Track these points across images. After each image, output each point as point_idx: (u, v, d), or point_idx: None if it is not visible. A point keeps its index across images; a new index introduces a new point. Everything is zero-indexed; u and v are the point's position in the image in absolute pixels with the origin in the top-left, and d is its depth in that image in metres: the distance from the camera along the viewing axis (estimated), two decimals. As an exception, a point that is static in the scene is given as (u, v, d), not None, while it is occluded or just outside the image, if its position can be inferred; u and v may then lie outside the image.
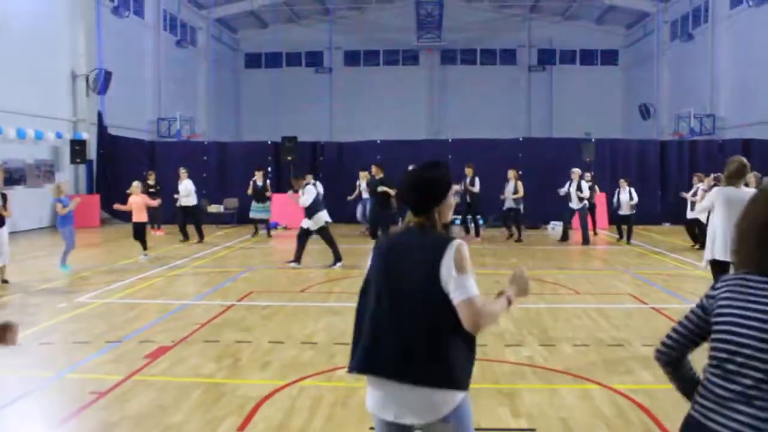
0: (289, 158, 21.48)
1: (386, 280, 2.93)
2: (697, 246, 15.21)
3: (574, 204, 17.09)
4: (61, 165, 22.74)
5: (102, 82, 23.74)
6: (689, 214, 15.70)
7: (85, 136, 23.21)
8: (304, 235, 12.86)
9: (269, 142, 23.40)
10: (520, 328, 7.99)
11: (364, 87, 39.09)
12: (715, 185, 9.25)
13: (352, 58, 40.76)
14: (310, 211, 12.63)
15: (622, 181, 17.24)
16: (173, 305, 9.36)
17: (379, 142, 23.61)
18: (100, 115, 24.10)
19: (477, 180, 17.85)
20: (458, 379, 2.85)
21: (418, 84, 39.73)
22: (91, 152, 23.57)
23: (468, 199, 17.83)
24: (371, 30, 39.18)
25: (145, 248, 13.99)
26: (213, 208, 17.86)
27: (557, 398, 5.57)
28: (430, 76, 40.07)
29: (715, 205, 7.13)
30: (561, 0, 37.22)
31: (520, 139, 24.53)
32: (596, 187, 18.50)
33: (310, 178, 17.54)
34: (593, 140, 21.91)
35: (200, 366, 6.48)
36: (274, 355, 6.84)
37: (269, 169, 21.16)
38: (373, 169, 16.47)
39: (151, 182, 19.08)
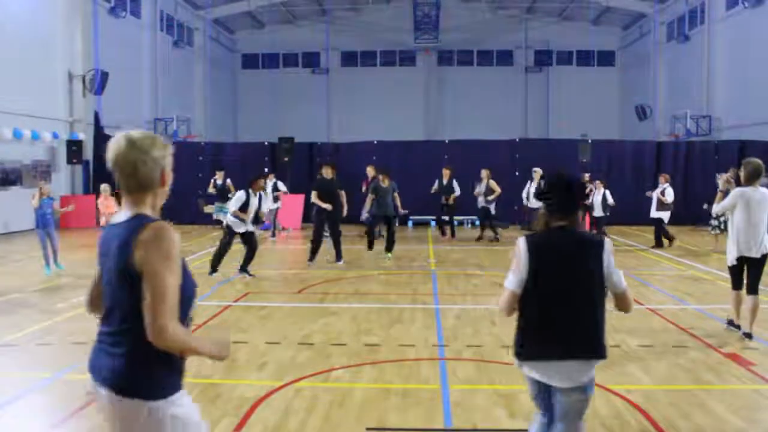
0: (286, 159, 21.47)
1: (559, 278, 3.39)
2: (662, 245, 15.91)
3: (533, 204, 17.21)
4: (58, 165, 22.71)
5: (98, 83, 23.70)
6: (653, 214, 16.16)
7: (81, 136, 23.18)
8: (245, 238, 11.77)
9: (266, 143, 23.39)
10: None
11: (361, 88, 39.11)
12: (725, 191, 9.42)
13: (349, 58, 40.78)
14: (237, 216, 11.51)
15: (597, 182, 17.32)
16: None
17: (375, 142, 23.61)
18: (96, 116, 24.08)
19: (455, 182, 17.93)
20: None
21: (415, 85, 39.76)
22: (88, 153, 23.55)
23: (444, 200, 17.89)
24: (368, 31, 39.20)
25: None
26: (209, 209, 17.81)
27: (553, 399, 5.58)
28: (426, 77, 40.10)
29: (737, 205, 7.43)
30: (557, 1, 37.28)
31: (517, 140, 24.55)
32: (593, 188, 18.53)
33: (272, 177, 17.59)
34: (590, 141, 21.94)
35: (197, 366, 6.48)
36: (271, 356, 6.85)
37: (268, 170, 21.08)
38: (326, 170, 13.50)
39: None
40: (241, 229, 11.51)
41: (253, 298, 10.03)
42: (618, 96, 39.10)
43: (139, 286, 2.37)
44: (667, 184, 16.21)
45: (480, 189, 17.85)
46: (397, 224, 14.37)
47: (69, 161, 22.45)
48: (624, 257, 14.68)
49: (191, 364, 6.35)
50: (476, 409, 5.35)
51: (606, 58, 39.95)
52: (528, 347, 3.48)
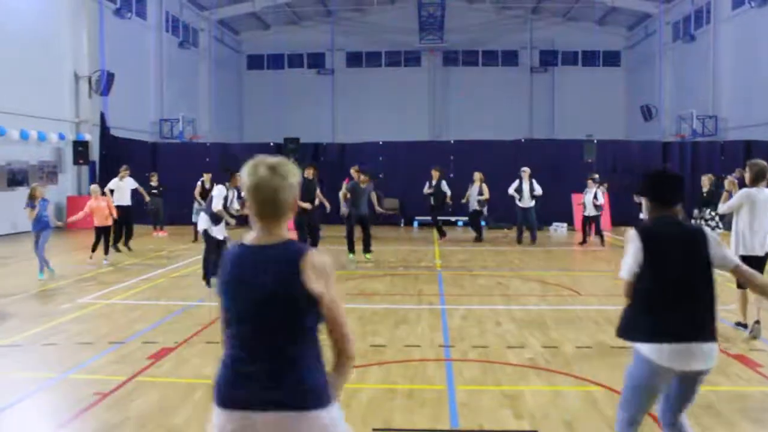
0: (292, 159, 21.47)
1: (676, 264, 3.66)
2: (585, 243, 16.99)
3: (525, 203, 17.47)
4: (64, 166, 22.78)
5: (104, 84, 23.77)
6: (588, 212, 17.01)
7: (87, 137, 23.24)
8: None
9: (272, 144, 23.41)
10: (522, 330, 7.99)
11: (367, 88, 39.09)
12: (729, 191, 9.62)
13: (354, 59, 40.78)
14: (215, 218, 10.70)
15: (590, 181, 17.37)
16: (176, 306, 9.37)
17: (381, 143, 23.63)
18: (102, 117, 24.14)
19: (444, 183, 18.00)
20: None
21: (420, 85, 39.74)
22: (94, 153, 23.61)
23: (432, 201, 17.95)
24: (373, 31, 39.20)
25: (106, 251, 13.82)
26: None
27: (560, 400, 5.57)
28: (432, 77, 40.08)
29: (743, 205, 7.65)
30: (563, 1, 37.22)
31: (522, 140, 24.54)
32: (603, 188, 18.52)
33: None
34: (595, 141, 21.90)
35: (203, 367, 6.49)
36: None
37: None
38: (307, 171, 13.74)
39: (153, 183, 19.09)
40: (220, 236, 10.64)
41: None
42: (623, 96, 39.01)
43: (308, 308, 2.52)
44: (596, 188, 16.98)
45: (472, 192, 17.92)
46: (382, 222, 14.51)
47: (75, 162, 22.51)
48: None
49: (194, 365, 6.36)
50: (482, 410, 5.34)
51: (611, 59, 39.87)
52: (659, 330, 3.67)
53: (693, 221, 15.56)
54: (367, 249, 13.96)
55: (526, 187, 17.48)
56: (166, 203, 19.30)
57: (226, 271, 2.62)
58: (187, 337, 7.61)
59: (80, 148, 22.37)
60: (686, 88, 31.32)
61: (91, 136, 23.50)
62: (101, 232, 13.64)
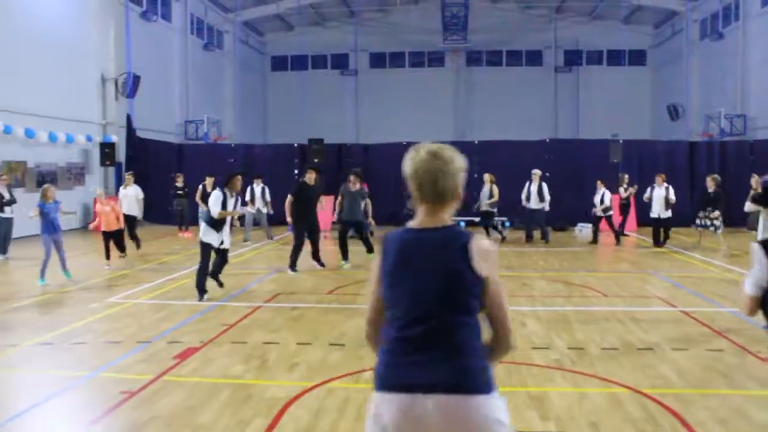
0: (316, 160, 21.58)
1: None
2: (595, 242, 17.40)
3: (533, 204, 17.68)
4: (92, 168, 23.07)
5: (131, 86, 24.05)
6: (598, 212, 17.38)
7: (114, 139, 23.52)
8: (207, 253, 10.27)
9: (296, 145, 23.52)
10: (548, 331, 7.94)
11: (390, 89, 39.11)
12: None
13: (377, 60, 40.82)
14: (214, 224, 10.02)
15: (598, 183, 17.46)
16: (201, 306, 9.44)
17: (405, 143, 23.56)
18: (128, 119, 24.41)
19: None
20: None
21: (444, 86, 39.67)
22: (121, 155, 23.89)
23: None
24: (396, 32, 39.21)
25: (108, 256, 13.33)
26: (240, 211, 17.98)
27: (586, 402, 5.53)
28: (455, 77, 40.00)
29: None
30: (587, 0, 36.93)
31: (547, 140, 24.39)
32: (631, 188, 18.40)
33: (260, 182, 17.84)
34: (621, 141, 21.70)
35: (229, 367, 6.54)
36: (302, 357, 6.88)
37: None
38: (309, 174, 13.03)
39: (179, 184, 19.26)
40: (216, 243, 10.03)
41: (283, 299, 10.08)
42: (649, 95, 38.61)
43: (474, 291, 2.54)
44: (604, 189, 17.24)
45: (483, 193, 17.88)
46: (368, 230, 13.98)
47: (102, 163, 22.77)
48: (656, 259, 14.51)
49: (220, 364, 6.40)
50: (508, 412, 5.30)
51: (637, 58, 39.47)
52: None
53: (698, 221, 15.83)
54: (370, 250, 13.57)
55: (534, 188, 17.70)
56: (191, 204, 19.46)
57: (391, 257, 2.63)
58: (212, 336, 7.67)
59: (107, 150, 22.63)
60: (714, 87, 30.90)
61: (118, 138, 23.78)
62: (108, 237, 13.28)
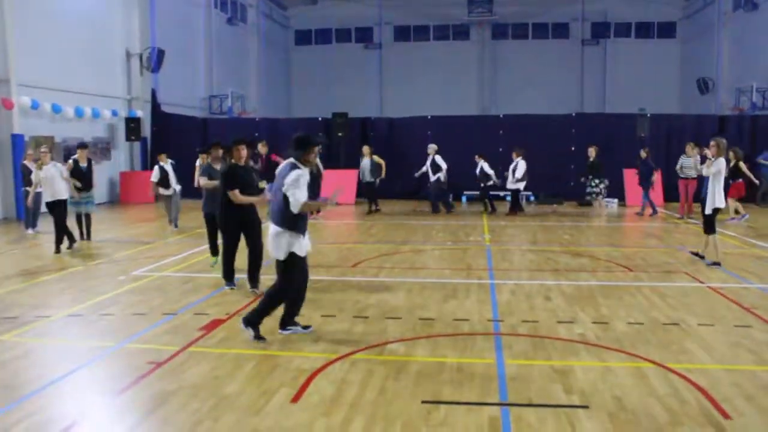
0: (340, 134, 21.56)
1: None
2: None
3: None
4: (117, 142, 23.25)
5: (155, 61, 24.10)
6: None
7: (139, 113, 23.66)
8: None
9: (320, 119, 23.48)
10: (572, 305, 7.91)
11: (414, 62, 38.80)
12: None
13: (401, 33, 40.46)
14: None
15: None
16: (227, 279, 9.51)
17: (429, 117, 23.46)
18: (153, 93, 24.52)
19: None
20: None
21: (469, 59, 39.26)
22: (146, 129, 24.03)
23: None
24: (421, 5, 38.75)
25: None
26: (263, 184, 17.99)
27: (611, 376, 5.51)
28: (480, 51, 39.55)
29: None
30: (616, -29, 36.19)
31: (573, 114, 24.12)
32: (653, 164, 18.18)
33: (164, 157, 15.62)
34: (648, 115, 21.36)
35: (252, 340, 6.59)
36: (326, 329, 6.92)
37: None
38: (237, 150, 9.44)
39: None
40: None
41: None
42: (678, 69, 37.85)
43: None
44: (520, 158, 17.75)
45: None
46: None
47: (128, 138, 22.94)
48: (683, 234, 14.34)
49: (245, 336, 6.45)
50: (532, 385, 5.31)
51: (666, 30, 38.66)
52: None
53: (588, 190, 17.66)
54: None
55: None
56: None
57: None
58: (238, 309, 7.73)
59: (132, 125, 22.78)
60: (746, 60, 30.17)
61: (143, 113, 23.92)
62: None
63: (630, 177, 19.07)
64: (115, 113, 22.83)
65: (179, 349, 6.23)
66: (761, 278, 9.53)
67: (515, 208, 18.26)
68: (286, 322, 6.75)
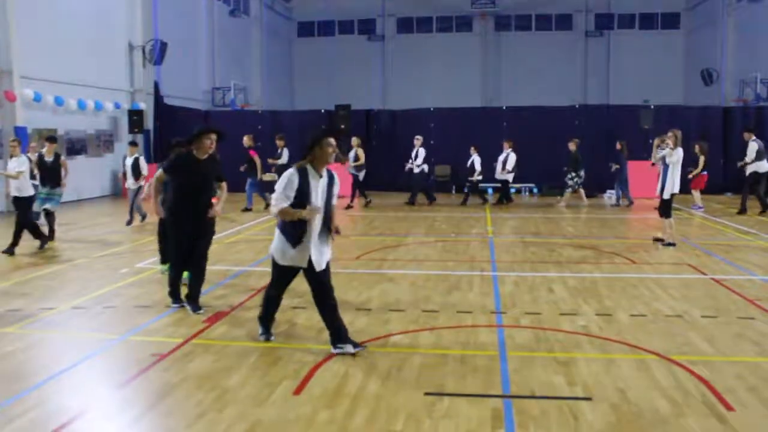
0: (343, 126, 21.53)
1: None
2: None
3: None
4: (120, 135, 23.25)
5: (158, 53, 24.06)
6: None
7: (142, 106, 23.65)
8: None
9: (323, 111, 23.45)
10: (575, 297, 7.90)
11: (418, 54, 38.72)
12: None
13: (404, 25, 40.36)
14: None
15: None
16: (230, 271, 9.54)
17: (432, 109, 23.43)
18: (156, 86, 24.49)
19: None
20: None
21: (472, 51, 39.15)
22: (149, 122, 24.02)
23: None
24: (424, -4, 38.67)
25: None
26: (267, 177, 17.94)
27: (614, 368, 5.50)
28: (484, 42, 39.43)
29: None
30: (620, -38, 36.00)
31: (576, 106, 24.08)
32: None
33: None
34: (652, 107, 21.29)
35: (257, 331, 6.59)
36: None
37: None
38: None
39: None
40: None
41: (310, 264, 10.14)
42: (682, 60, 37.71)
43: None
44: (510, 150, 18.27)
45: (500, 159, 18.49)
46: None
47: (131, 131, 22.90)
48: (686, 227, 14.32)
49: (248, 328, 6.46)
50: (534, 376, 5.31)
51: (670, 21, 38.49)
52: None
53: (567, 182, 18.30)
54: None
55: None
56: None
57: None
58: (241, 301, 7.75)
59: (135, 117, 22.76)
60: (750, 51, 30.05)
61: (146, 105, 23.90)
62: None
63: (633, 169, 19.03)
64: (117, 105, 22.82)
65: (183, 341, 6.24)
66: (766, 270, 9.52)
67: (504, 198, 18.59)
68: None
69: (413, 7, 39.40)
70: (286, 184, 5.64)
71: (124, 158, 14.69)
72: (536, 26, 39.46)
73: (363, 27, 40.52)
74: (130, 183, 14.39)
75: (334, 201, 5.94)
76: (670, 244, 11.44)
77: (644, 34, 38.35)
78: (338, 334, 5.89)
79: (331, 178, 5.87)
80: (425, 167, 18.44)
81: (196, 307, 7.30)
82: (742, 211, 16.01)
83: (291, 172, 5.66)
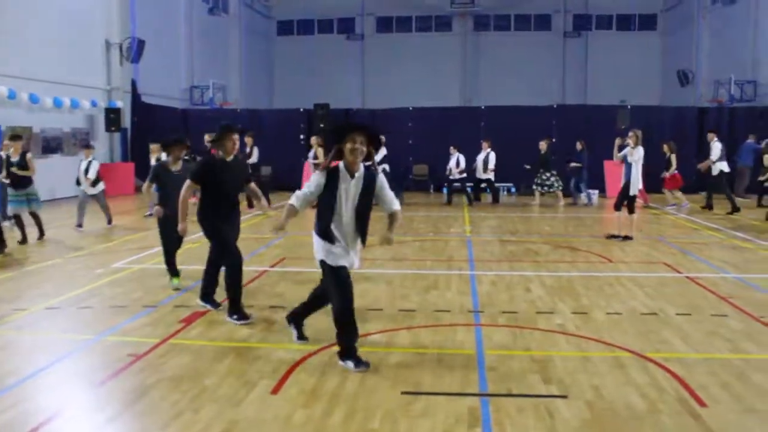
0: (322, 125, 21.50)
1: None
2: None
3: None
4: (97, 133, 23.03)
5: (135, 51, 23.86)
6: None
7: (119, 104, 23.43)
8: None
9: (301, 110, 23.41)
10: (552, 296, 7.97)
11: (397, 54, 38.70)
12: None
13: (384, 24, 40.35)
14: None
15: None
16: (208, 271, 9.47)
17: (411, 109, 23.47)
18: (133, 84, 24.30)
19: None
20: None
21: (451, 51, 39.22)
22: (126, 120, 23.81)
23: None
24: (403, -4, 38.72)
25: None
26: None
27: (589, 366, 5.56)
28: (463, 42, 39.53)
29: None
30: (598, -37, 36.28)
31: (554, 106, 24.24)
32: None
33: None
34: (629, 107, 21.50)
35: (234, 331, 6.59)
36: (307, 321, 6.89)
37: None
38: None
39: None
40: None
41: (289, 263, 10.12)
42: (659, 61, 38.08)
43: None
44: (490, 149, 18.65)
45: (479, 159, 18.78)
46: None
47: (108, 129, 22.72)
48: (661, 226, 14.48)
49: (225, 328, 6.43)
50: (511, 375, 5.35)
51: (647, 22, 38.86)
52: None
53: (535, 182, 18.61)
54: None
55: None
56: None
57: None
58: (218, 301, 7.71)
59: (112, 116, 22.55)
60: (725, 53, 30.42)
61: (123, 104, 23.69)
62: None
63: (610, 168, 19.22)
64: (94, 104, 22.60)
65: (159, 342, 6.21)
66: (738, 268, 9.66)
67: (486, 198, 18.93)
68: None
69: (392, 6, 39.42)
70: (309, 184, 5.48)
71: (81, 161, 14.04)
72: (515, 26, 39.64)
73: (342, 26, 40.46)
74: (85, 186, 13.74)
75: (391, 204, 5.67)
76: (627, 237, 12.14)
77: (621, 35, 38.68)
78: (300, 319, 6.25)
79: (367, 179, 5.46)
80: (386, 167, 18.14)
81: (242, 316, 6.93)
82: (735, 209, 16.19)
83: (319, 174, 5.42)
